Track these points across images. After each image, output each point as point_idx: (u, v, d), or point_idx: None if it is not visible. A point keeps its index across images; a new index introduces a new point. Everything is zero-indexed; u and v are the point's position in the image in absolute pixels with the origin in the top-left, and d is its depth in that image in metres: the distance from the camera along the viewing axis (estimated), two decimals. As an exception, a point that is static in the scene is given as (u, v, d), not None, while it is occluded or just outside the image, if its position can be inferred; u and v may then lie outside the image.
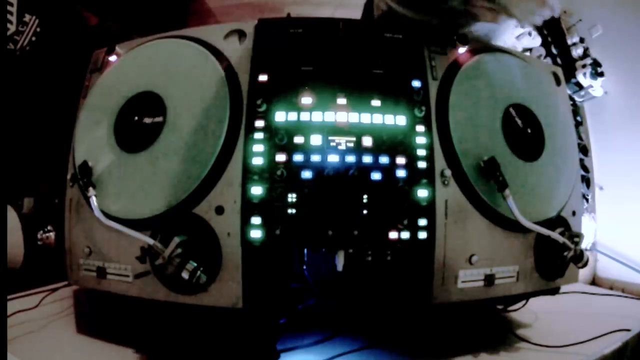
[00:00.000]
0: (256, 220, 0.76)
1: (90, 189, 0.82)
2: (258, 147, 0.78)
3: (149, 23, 1.36)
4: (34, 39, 1.35)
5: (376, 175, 0.78)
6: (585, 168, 1.55)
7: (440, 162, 0.82)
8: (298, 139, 0.78)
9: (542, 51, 1.56)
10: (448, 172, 0.81)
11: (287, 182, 0.77)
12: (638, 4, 1.38)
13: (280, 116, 0.79)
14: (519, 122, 0.90)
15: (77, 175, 0.86)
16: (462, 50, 0.90)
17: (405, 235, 0.78)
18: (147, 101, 0.86)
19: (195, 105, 0.83)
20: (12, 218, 1.20)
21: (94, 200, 0.81)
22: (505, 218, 0.84)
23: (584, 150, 1.56)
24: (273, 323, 0.91)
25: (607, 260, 1.52)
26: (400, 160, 0.79)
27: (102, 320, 0.97)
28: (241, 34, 0.87)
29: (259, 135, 0.79)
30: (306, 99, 0.80)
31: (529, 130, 0.92)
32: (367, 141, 0.79)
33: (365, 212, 0.77)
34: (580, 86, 1.50)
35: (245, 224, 0.76)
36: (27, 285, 1.10)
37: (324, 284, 1.01)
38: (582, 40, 1.51)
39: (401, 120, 0.81)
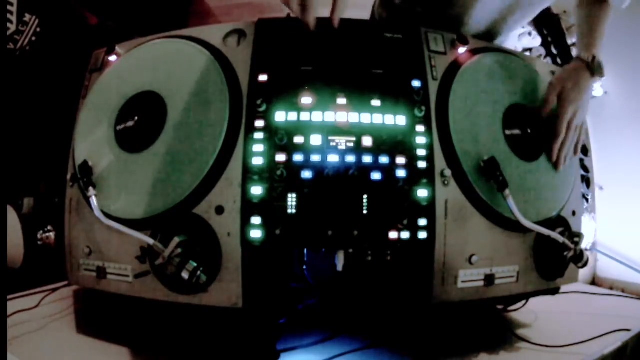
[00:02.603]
0: (256, 220, 0.76)
1: (90, 188, 0.82)
2: (258, 147, 0.78)
3: (149, 23, 1.36)
4: (34, 38, 1.35)
5: (376, 175, 0.78)
6: (585, 168, 1.55)
7: (440, 162, 0.82)
8: (298, 139, 0.78)
9: (542, 51, 1.56)
10: (448, 172, 0.81)
11: (287, 182, 0.77)
12: (638, 4, 1.38)
13: (280, 116, 0.79)
14: (519, 122, 0.91)
15: (77, 175, 0.86)
16: (462, 50, 0.90)
17: (405, 235, 0.78)
18: (147, 101, 0.86)
19: (195, 105, 0.83)
20: (12, 218, 1.20)
21: (94, 200, 0.81)
22: (505, 218, 0.84)
23: (584, 150, 1.57)
24: (273, 323, 0.91)
25: (607, 260, 1.52)
26: (400, 160, 0.79)
27: (102, 320, 0.97)
28: (241, 34, 0.87)
29: (259, 135, 0.78)
30: (306, 99, 0.80)
31: (529, 130, 0.92)
32: (367, 141, 0.79)
33: (365, 212, 0.77)
34: (580, 86, 1.50)
35: (245, 224, 0.76)
36: (27, 285, 1.10)
37: (324, 284, 1.01)
38: (582, 40, 1.50)
39: (401, 120, 0.81)
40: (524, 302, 1.01)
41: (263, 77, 0.81)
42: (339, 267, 0.80)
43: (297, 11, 0.79)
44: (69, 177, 0.92)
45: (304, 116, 0.79)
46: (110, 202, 0.83)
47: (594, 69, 0.94)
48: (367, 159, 0.78)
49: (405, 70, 0.85)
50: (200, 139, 0.80)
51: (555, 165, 0.93)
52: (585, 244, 1.48)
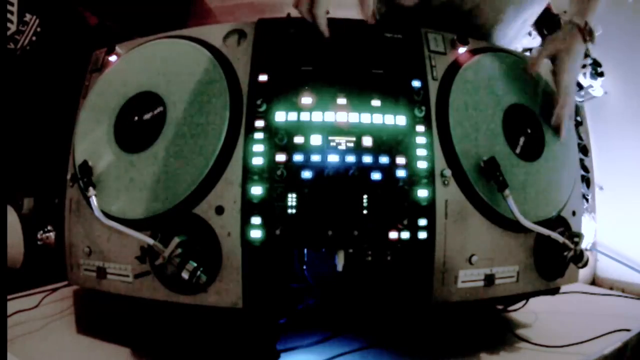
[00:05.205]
0: (256, 220, 0.76)
1: (90, 189, 0.82)
2: (258, 147, 0.78)
3: (149, 23, 1.36)
4: (34, 38, 1.35)
5: (376, 175, 0.78)
6: (585, 168, 1.55)
7: (440, 162, 0.82)
8: (298, 139, 0.78)
9: (542, 51, 1.56)
10: (448, 172, 0.81)
11: (287, 182, 0.77)
12: (638, 3, 1.38)
13: (280, 116, 0.79)
14: (519, 123, 0.91)
15: (77, 175, 0.86)
16: (462, 50, 0.90)
17: (405, 235, 0.78)
18: (147, 101, 0.86)
19: (195, 105, 0.83)
20: (12, 218, 1.21)
21: (94, 200, 0.81)
22: (505, 218, 0.84)
23: (584, 150, 1.57)
24: (273, 323, 0.91)
25: (607, 260, 1.52)
26: (400, 160, 0.79)
27: (102, 320, 0.98)
28: (241, 34, 0.87)
29: (259, 135, 0.78)
30: (306, 99, 0.80)
31: (529, 130, 0.92)
32: (367, 141, 0.79)
33: (365, 212, 0.77)
34: (580, 86, 1.50)
35: (245, 224, 0.76)
36: (27, 285, 1.10)
37: (324, 284, 1.01)
38: (582, 40, 1.50)
39: (401, 120, 0.81)
40: (524, 302, 1.01)
41: (263, 77, 0.81)
42: (339, 267, 0.80)
43: (305, 13, 0.80)
44: (69, 177, 0.92)
45: (304, 116, 0.79)
46: (110, 202, 0.83)
47: (587, 33, 0.94)
48: (367, 159, 0.78)
49: (405, 70, 0.85)
50: (200, 139, 0.80)
51: (559, 130, 0.93)
52: (585, 244, 1.48)
